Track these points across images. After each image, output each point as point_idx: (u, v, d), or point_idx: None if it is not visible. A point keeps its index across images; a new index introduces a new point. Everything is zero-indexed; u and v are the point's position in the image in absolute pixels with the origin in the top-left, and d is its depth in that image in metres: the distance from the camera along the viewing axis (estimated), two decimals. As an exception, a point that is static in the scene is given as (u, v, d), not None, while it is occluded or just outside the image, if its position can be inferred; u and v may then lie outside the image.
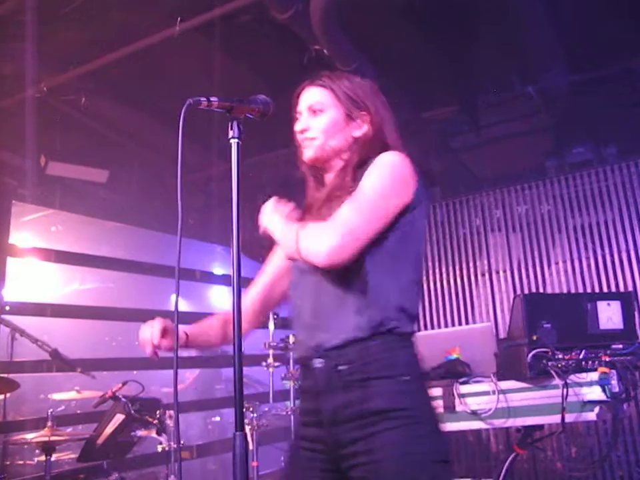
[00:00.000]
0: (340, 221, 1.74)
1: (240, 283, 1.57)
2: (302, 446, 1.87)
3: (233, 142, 1.65)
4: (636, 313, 4.31)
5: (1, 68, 4.93)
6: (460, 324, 6.14)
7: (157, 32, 4.62)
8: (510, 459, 3.70)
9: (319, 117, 1.97)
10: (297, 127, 2.00)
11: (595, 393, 3.30)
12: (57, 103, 5.35)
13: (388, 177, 1.83)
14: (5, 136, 5.56)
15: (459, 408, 3.58)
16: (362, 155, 1.95)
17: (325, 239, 1.72)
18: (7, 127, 5.40)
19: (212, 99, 1.64)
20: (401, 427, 1.70)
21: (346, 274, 1.78)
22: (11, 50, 4.70)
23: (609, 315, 3.63)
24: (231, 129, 1.66)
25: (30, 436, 4.19)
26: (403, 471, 1.68)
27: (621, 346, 3.49)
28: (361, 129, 1.99)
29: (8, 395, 4.80)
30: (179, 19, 4.47)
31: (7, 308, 5.48)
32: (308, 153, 1.98)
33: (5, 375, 4.49)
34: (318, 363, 1.81)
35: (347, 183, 1.90)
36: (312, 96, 2.00)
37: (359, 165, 1.93)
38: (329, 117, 1.97)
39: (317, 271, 1.79)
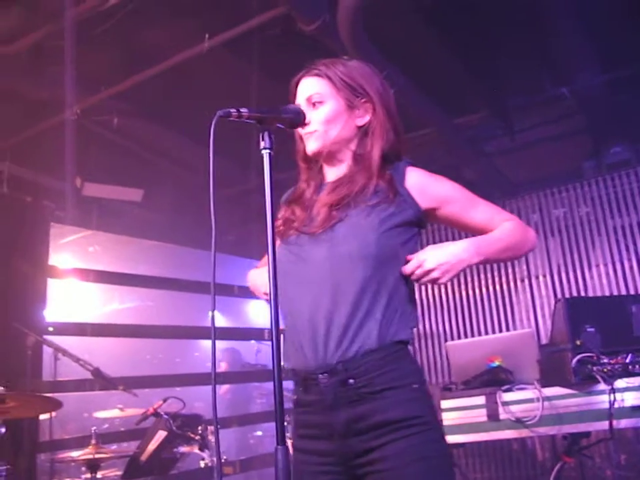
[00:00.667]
0: (508, 213, 2.02)
1: (277, 297, 1.55)
2: (306, 460, 1.81)
3: (265, 153, 1.63)
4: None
5: (36, 93, 5.00)
6: (501, 331, 6.07)
7: (186, 49, 4.65)
8: (557, 467, 3.63)
9: (319, 109, 1.92)
10: None
11: (644, 398, 3.23)
12: (90, 124, 5.40)
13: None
14: (42, 159, 5.65)
15: (502, 416, 3.53)
16: (365, 147, 1.95)
17: (528, 227, 2.02)
18: (43, 150, 5.49)
19: (242, 110, 1.62)
20: (416, 434, 1.70)
21: (364, 281, 1.76)
22: (47, 74, 4.77)
23: (655, 317, 3.55)
24: (262, 139, 1.64)
25: (75, 454, 4.22)
26: (423, 475, 1.68)
27: (668, 348, 3.40)
28: (364, 118, 1.96)
29: (53, 414, 4.84)
30: (206, 35, 4.49)
31: (50, 329, 5.56)
32: (311, 146, 1.93)
33: (49, 395, 4.53)
34: (323, 377, 1.75)
35: (373, 173, 1.90)
36: (309, 87, 1.95)
37: (368, 166, 1.92)
38: (329, 108, 1.92)
39: (328, 276, 1.78)
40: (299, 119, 1.81)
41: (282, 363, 1.79)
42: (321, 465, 1.78)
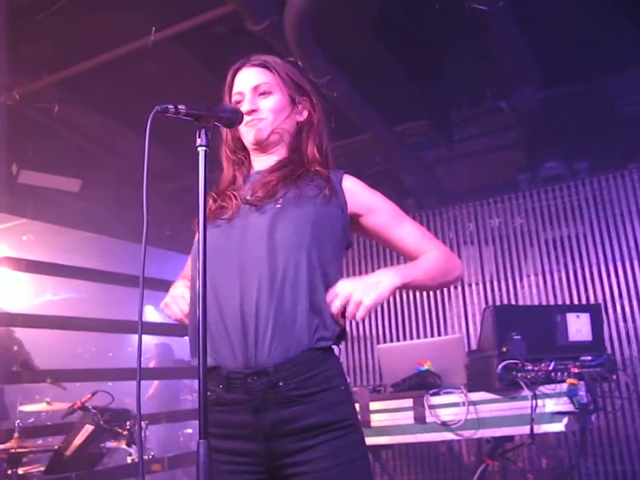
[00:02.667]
0: (438, 241, 2.02)
1: (206, 293, 1.55)
2: (219, 459, 1.70)
3: (201, 150, 1.62)
4: (605, 326, 4.40)
5: (-28, 75, 4.89)
6: (432, 336, 6.16)
7: (132, 41, 4.61)
8: (480, 469, 3.72)
9: (268, 98, 1.93)
10: (245, 107, 1.91)
11: (564, 404, 3.34)
12: (29, 111, 5.30)
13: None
14: (-24, 144, 5.52)
15: (429, 419, 3.60)
16: (301, 144, 1.98)
17: (457, 258, 2.02)
18: (-23, 134, 5.36)
19: (180, 106, 1.60)
20: (343, 435, 1.72)
21: (296, 284, 1.74)
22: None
23: (578, 327, 3.67)
24: (199, 137, 1.63)
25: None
26: (350, 476, 1.70)
27: (589, 358, 3.53)
28: (302, 114, 1.99)
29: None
30: (153, 28, 4.47)
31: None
32: (258, 133, 1.91)
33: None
34: (250, 377, 1.70)
35: (308, 165, 1.93)
36: (257, 76, 1.95)
37: (305, 160, 1.95)
38: (277, 98, 1.94)
39: (260, 262, 1.75)
40: (237, 118, 1.78)
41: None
42: (237, 465, 1.74)
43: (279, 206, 1.82)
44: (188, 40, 4.63)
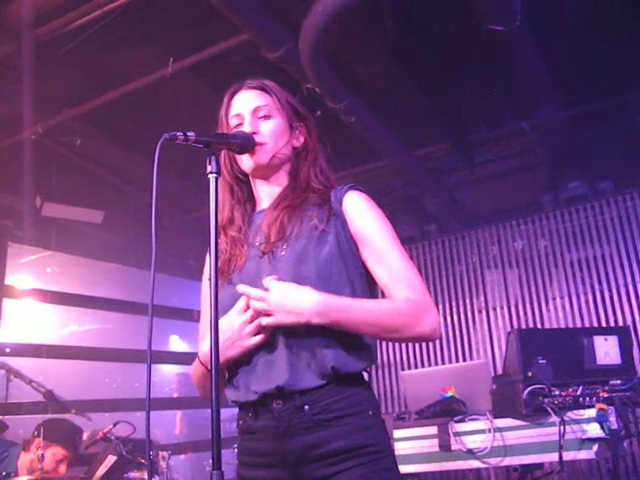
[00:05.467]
0: (419, 288, 1.76)
1: (217, 321, 1.52)
2: None
3: (211, 177, 1.62)
4: (634, 348, 4.30)
5: (-2, 110, 4.98)
6: (457, 361, 6.09)
7: (150, 73, 4.66)
8: (509, 498, 3.64)
9: (269, 122, 1.88)
10: (246, 129, 1.85)
11: (593, 430, 3.26)
12: (52, 145, 5.37)
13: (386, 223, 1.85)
14: (2, 178, 5.59)
15: (454, 447, 3.53)
16: (299, 170, 1.93)
17: (429, 315, 1.74)
18: (3, 169, 5.43)
19: (189, 133, 1.60)
20: (371, 461, 1.68)
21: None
22: (7, 92, 4.74)
23: (606, 350, 3.59)
24: (209, 163, 1.63)
25: (22, 479, 4.11)
26: None
27: (619, 382, 3.44)
28: (299, 140, 1.95)
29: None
30: (171, 59, 4.51)
31: (7, 350, 5.47)
32: (261, 158, 1.84)
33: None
34: (276, 403, 1.71)
35: (309, 192, 1.88)
36: (256, 99, 1.90)
37: (305, 186, 1.90)
38: (277, 122, 1.89)
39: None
40: (249, 144, 1.78)
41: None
42: None
43: (289, 250, 1.78)
44: (205, 69, 4.67)
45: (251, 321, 1.71)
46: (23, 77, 4.51)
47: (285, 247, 1.78)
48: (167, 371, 9.24)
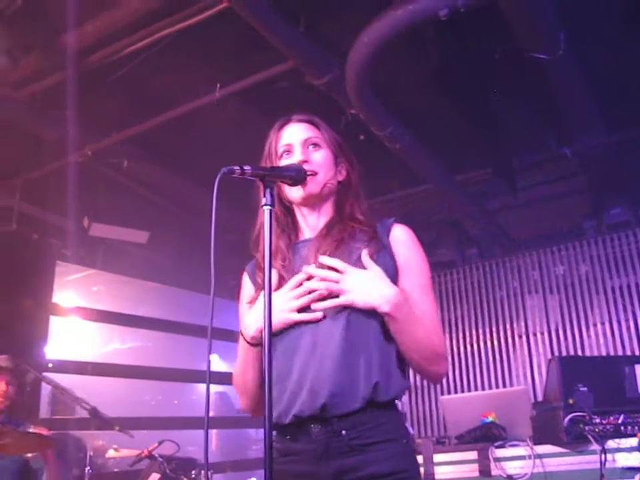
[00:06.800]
0: (442, 338, 1.89)
1: (271, 343, 1.57)
2: None
3: (266, 209, 1.67)
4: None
5: (48, 134, 5.12)
6: (497, 387, 6.06)
7: (197, 98, 4.77)
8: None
9: (319, 152, 1.94)
10: (297, 157, 1.90)
11: (635, 459, 3.24)
12: (100, 167, 5.51)
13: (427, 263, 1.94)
14: (51, 198, 5.75)
15: (494, 472, 3.53)
16: (344, 202, 1.97)
17: (446, 361, 1.88)
18: (53, 190, 5.59)
19: (245, 167, 1.65)
20: None
21: (353, 341, 1.76)
22: (59, 117, 4.89)
23: (648, 379, 3.57)
24: (264, 196, 1.69)
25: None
26: None
27: (660, 411, 3.42)
28: (342, 174, 1.99)
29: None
30: (218, 85, 4.62)
31: (50, 365, 5.59)
32: (312, 187, 1.89)
33: (47, 432, 4.54)
34: (314, 427, 1.74)
35: (354, 225, 1.92)
36: (306, 131, 1.96)
37: (350, 218, 1.94)
38: (326, 153, 1.95)
39: (317, 334, 1.79)
40: (301, 176, 1.82)
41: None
42: None
43: None
44: (250, 95, 4.76)
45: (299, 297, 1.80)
46: (74, 102, 4.66)
47: None
48: (204, 391, 9.32)
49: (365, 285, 1.75)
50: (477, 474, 3.58)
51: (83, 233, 6.07)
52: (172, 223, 6.65)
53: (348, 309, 1.77)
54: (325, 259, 1.79)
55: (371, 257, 1.83)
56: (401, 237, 1.91)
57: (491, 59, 4.59)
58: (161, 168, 5.87)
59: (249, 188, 1.81)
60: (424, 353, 1.80)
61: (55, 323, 6.20)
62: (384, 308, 1.73)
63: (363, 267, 1.81)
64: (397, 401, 1.83)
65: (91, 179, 5.55)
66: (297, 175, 1.81)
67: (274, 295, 1.73)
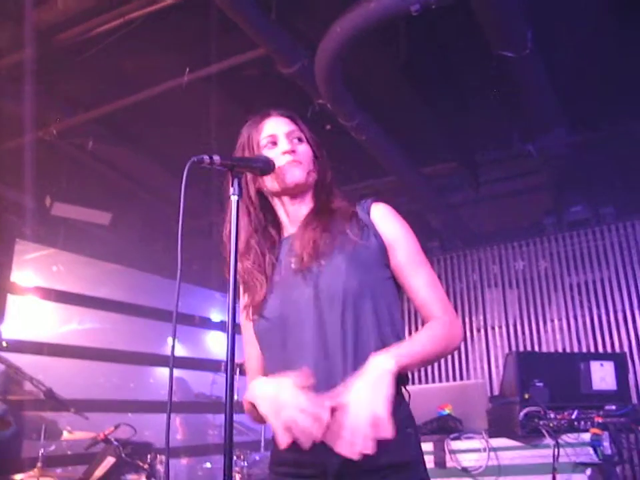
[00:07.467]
0: (448, 305, 1.87)
1: (234, 330, 1.58)
2: None
3: (233, 198, 1.68)
4: (630, 374, 4.35)
5: (13, 108, 5.03)
6: (455, 379, 6.13)
7: (165, 82, 4.73)
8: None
9: (302, 145, 1.96)
10: (284, 147, 1.91)
11: (587, 455, 3.29)
12: (65, 146, 5.44)
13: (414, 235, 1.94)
14: (13, 175, 5.64)
15: (449, 464, 3.57)
16: (320, 195, 1.99)
17: (460, 331, 1.86)
18: (15, 166, 5.49)
19: (214, 157, 1.65)
20: (412, 477, 1.74)
21: (362, 330, 1.77)
22: (24, 93, 4.80)
23: (602, 376, 3.65)
24: (232, 185, 1.69)
25: (18, 477, 4.16)
26: None
27: (614, 407, 3.48)
28: (318, 173, 2.00)
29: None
30: (187, 69, 4.58)
31: (4, 344, 5.51)
32: (299, 175, 1.90)
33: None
34: None
35: (335, 211, 1.94)
36: (289, 124, 1.98)
37: (329, 207, 1.95)
38: (308, 149, 1.97)
39: (323, 323, 1.77)
40: (269, 167, 1.83)
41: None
42: None
43: (326, 266, 1.82)
44: (220, 81, 4.74)
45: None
46: (40, 79, 4.58)
47: (322, 262, 1.83)
48: (163, 374, 9.27)
49: (365, 393, 1.61)
50: (432, 465, 3.61)
51: (45, 212, 5.98)
52: (136, 206, 6.59)
53: (348, 308, 1.77)
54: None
55: (355, 239, 1.84)
56: (382, 214, 1.92)
57: (460, 55, 4.62)
58: (127, 150, 5.81)
59: (215, 175, 1.79)
60: (448, 351, 1.83)
61: (12, 302, 6.10)
62: (391, 370, 1.63)
63: (351, 247, 1.82)
64: (403, 391, 1.83)
65: (56, 158, 5.47)
66: (265, 166, 1.82)
67: (291, 392, 1.63)
